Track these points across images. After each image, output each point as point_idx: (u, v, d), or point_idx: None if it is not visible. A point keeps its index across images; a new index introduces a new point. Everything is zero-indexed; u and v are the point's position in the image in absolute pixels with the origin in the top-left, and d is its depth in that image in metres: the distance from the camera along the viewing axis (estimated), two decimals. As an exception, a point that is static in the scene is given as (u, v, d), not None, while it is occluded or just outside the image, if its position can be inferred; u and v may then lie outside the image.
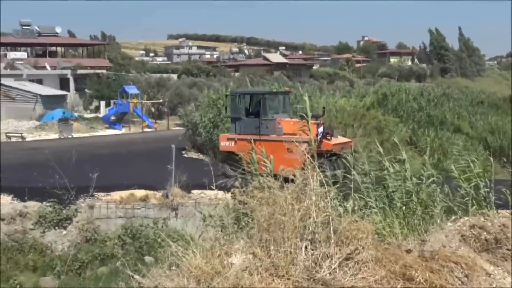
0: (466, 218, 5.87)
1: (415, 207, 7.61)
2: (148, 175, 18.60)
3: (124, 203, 16.14)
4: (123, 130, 36.58)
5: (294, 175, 5.23)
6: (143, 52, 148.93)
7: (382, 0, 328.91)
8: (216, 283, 4.29)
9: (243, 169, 12.97)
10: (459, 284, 4.63)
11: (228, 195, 13.27)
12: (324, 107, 20.45)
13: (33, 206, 15.42)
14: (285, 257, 4.47)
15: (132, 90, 38.42)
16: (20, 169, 19.56)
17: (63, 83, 50.47)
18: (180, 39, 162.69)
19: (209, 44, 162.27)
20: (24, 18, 68.30)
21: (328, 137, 16.90)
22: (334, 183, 8.05)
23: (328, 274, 4.35)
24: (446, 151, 22.85)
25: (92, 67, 55.60)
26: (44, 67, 54.57)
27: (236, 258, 4.58)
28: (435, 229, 5.87)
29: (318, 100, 26.90)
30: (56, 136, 32.14)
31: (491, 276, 4.84)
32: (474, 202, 7.72)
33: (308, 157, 5.64)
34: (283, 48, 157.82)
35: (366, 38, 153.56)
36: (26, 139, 30.88)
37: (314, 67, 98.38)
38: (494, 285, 4.75)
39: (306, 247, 4.55)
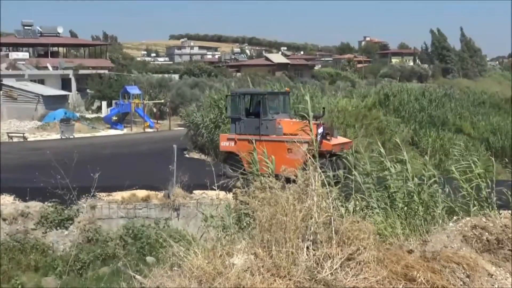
0: (467, 218, 5.86)
1: (416, 207, 7.60)
2: (149, 175, 18.60)
3: (126, 204, 16.15)
4: (125, 131, 36.64)
5: (296, 176, 5.23)
6: (145, 52, 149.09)
7: (384, 0, 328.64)
8: (217, 283, 4.29)
9: (244, 170, 12.97)
10: (461, 285, 4.63)
11: (230, 195, 13.26)
12: (324, 108, 20.45)
13: (35, 206, 15.44)
14: (287, 257, 4.47)
15: (133, 90, 38.48)
16: (22, 169, 19.59)
17: (65, 84, 50.52)
18: (182, 39, 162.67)
19: (210, 45, 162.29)
20: (26, 18, 68.65)
21: (328, 138, 16.90)
22: (336, 183, 8.05)
23: (329, 275, 4.35)
24: (448, 152, 22.81)
25: (94, 68, 55.65)
26: (46, 68, 54.64)
27: (238, 259, 4.58)
28: (436, 230, 5.86)
29: (320, 100, 26.93)
30: (57, 136, 32.20)
31: (493, 276, 4.84)
32: (476, 202, 7.72)
33: (309, 157, 5.64)
34: (285, 48, 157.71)
35: (367, 39, 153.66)
36: (28, 139, 30.95)
37: (316, 68, 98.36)
38: (496, 286, 4.75)
39: (307, 248, 4.55)
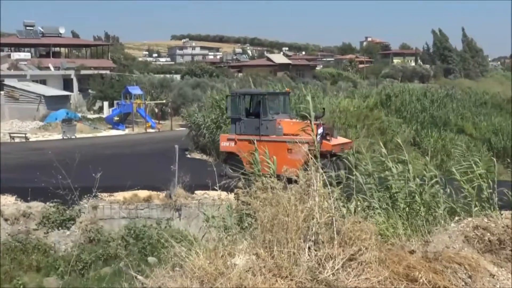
0: (469, 219, 5.86)
1: (418, 208, 7.60)
2: (151, 175, 18.62)
3: (128, 204, 16.16)
4: (127, 131, 36.64)
5: (297, 176, 5.24)
6: (147, 52, 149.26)
7: (385, 0, 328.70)
8: (219, 283, 4.29)
9: (244, 170, 12.97)
10: (463, 285, 4.62)
11: (231, 195, 13.27)
12: (324, 108, 20.45)
13: (36, 206, 15.45)
14: (289, 258, 4.47)
15: (135, 90, 38.49)
16: (24, 169, 19.61)
17: (67, 84, 50.54)
18: (184, 40, 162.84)
19: (212, 45, 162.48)
20: (27, 18, 68.77)
21: (328, 138, 16.90)
22: (337, 184, 8.05)
23: (331, 275, 4.35)
24: (450, 152, 22.80)
25: (95, 68, 55.67)
26: (48, 68, 54.67)
27: (240, 259, 4.58)
28: (438, 230, 5.86)
29: (322, 100, 26.93)
30: (59, 136, 32.22)
31: (495, 277, 4.84)
32: (477, 203, 7.71)
33: (311, 158, 5.64)
34: (286, 48, 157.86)
35: (369, 39, 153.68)
36: (30, 140, 30.97)
37: (317, 68, 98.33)
38: (498, 286, 4.75)
39: (309, 248, 4.55)
